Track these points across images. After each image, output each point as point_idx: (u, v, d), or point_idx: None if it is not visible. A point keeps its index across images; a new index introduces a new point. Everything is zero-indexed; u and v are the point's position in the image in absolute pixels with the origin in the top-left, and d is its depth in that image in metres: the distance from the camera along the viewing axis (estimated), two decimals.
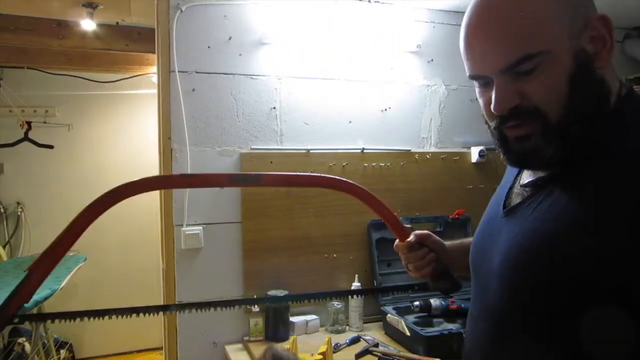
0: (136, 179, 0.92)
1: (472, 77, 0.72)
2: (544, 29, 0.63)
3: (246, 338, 1.80)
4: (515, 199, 0.76)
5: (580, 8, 0.65)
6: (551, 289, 0.63)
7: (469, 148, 2.20)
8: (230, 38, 1.84)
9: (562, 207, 0.64)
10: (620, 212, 0.57)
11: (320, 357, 1.44)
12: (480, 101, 0.73)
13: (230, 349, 1.78)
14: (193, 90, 1.79)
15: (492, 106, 0.68)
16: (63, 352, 3.22)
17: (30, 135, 3.31)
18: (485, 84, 0.70)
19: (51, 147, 3.38)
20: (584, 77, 0.64)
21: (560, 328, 0.62)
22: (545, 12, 0.63)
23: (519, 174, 0.80)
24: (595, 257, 0.58)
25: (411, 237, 1.03)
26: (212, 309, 1.07)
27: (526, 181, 0.74)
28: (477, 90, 0.74)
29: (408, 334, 1.64)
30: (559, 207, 0.64)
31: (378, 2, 2.04)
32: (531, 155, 0.68)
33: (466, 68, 0.73)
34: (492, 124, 0.71)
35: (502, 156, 0.73)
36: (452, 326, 1.77)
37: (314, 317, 1.87)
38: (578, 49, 0.63)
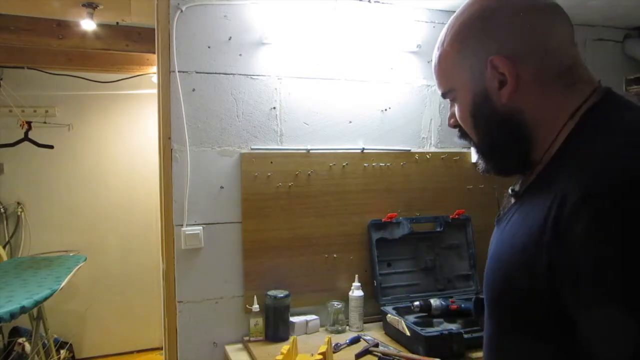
0: None
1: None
2: (452, 72, 0.78)
3: (246, 338, 1.80)
4: (505, 207, 0.80)
5: (480, 51, 0.72)
6: (510, 296, 0.68)
7: (469, 148, 2.19)
8: (230, 38, 1.84)
9: (521, 221, 0.69)
10: (546, 229, 0.60)
11: (320, 357, 1.44)
12: None
13: (230, 349, 1.78)
14: (193, 90, 1.80)
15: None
16: (63, 352, 3.22)
17: (30, 135, 3.32)
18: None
19: (51, 147, 3.39)
20: (482, 112, 0.74)
21: (540, 331, 0.65)
22: (453, 58, 0.77)
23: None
24: (532, 271, 0.62)
25: None
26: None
27: (510, 189, 0.79)
28: None
29: (408, 334, 1.64)
30: (519, 221, 0.69)
31: (378, 2, 2.04)
32: (480, 167, 0.82)
33: None
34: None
35: None
36: (452, 326, 1.78)
37: (314, 317, 1.87)
38: (478, 88, 0.73)
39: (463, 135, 0.82)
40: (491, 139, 0.76)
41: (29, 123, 3.30)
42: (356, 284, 1.90)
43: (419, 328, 1.63)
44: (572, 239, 0.56)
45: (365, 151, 2.01)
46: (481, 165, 0.81)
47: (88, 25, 2.34)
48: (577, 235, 0.56)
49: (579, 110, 0.68)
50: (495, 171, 0.79)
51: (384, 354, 1.59)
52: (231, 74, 1.85)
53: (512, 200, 0.77)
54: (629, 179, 0.55)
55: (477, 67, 0.72)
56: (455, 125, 0.81)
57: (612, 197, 0.55)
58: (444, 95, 0.82)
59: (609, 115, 0.66)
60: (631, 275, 0.52)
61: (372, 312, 1.93)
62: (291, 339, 1.58)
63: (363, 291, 1.89)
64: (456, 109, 0.79)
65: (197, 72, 1.80)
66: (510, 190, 0.78)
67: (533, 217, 0.64)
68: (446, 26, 0.81)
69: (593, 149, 0.62)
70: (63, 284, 2.45)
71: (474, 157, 2.16)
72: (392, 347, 1.67)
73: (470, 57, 0.73)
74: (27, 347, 2.97)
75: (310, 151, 1.94)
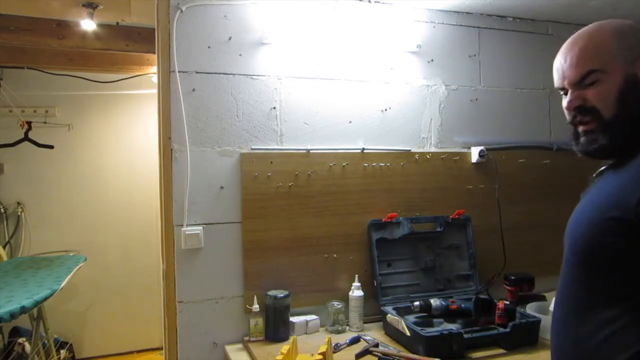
0: None
1: (558, 88, 1.03)
2: (604, 55, 0.94)
3: (246, 338, 1.80)
4: (588, 189, 1.02)
5: (637, 44, 0.94)
6: (591, 246, 0.91)
7: (469, 148, 2.20)
8: (230, 38, 1.84)
9: (605, 186, 0.93)
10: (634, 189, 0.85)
11: (320, 357, 1.44)
12: (563, 105, 1.02)
13: (230, 349, 1.78)
14: (193, 90, 1.80)
15: (564, 105, 1.00)
16: (63, 352, 3.22)
17: (30, 135, 3.32)
18: (565, 93, 1.01)
19: (51, 147, 3.39)
20: (630, 92, 0.92)
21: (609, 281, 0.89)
22: (608, 44, 0.94)
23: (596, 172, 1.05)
24: (617, 222, 0.86)
25: None
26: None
27: (594, 173, 1.02)
28: (563, 98, 1.03)
29: (408, 334, 1.64)
30: (603, 186, 0.94)
31: (378, 2, 2.04)
32: (592, 145, 0.97)
33: (554, 82, 1.04)
34: (568, 120, 1.01)
35: (574, 147, 1.01)
36: (452, 326, 1.78)
37: (314, 317, 1.87)
38: (629, 72, 0.92)
39: (582, 113, 0.97)
40: (629, 114, 0.93)
41: (29, 123, 3.30)
42: (356, 284, 1.90)
43: (419, 328, 1.63)
44: None
45: (365, 151, 2.01)
46: (599, 140, 0.96)
47: (88, 25, 2.35)
48: None
49: None
50: (609, 145, 0.95)
51: (384, 354, 1.59)
52: (231, 74, 1.85)
53: (594, 181, 1.00)
54: None
55: (631, 57, 0.93)
56: (579, 106, 0.97)
57: None
58: (584, 76, 0.96)
59: None
60: None
61: (372, 312, 1.93)
62: (291, 339, 1.58)
63: (363, 291, 1.89)
64: (593, 90, 0.95)
65: (197, 72, 1.80)
66: (594, 175, 1.01)
67: (627, 174, 0.89)
68: (598, 23, 0.99)
69: None
70: (63, 284, 2.45)
71: (474, 157, 2.18)
72: (392, 347, 1.67)
73: (626, 47, 0.93)
74: (27, 347, 2.97)
75: (310, 151, 1.94)
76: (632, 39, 0.95)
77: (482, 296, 1.84)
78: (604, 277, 0.90)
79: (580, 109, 0.97)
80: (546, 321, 1.69)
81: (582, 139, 0.99)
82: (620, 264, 0.87)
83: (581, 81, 0.96)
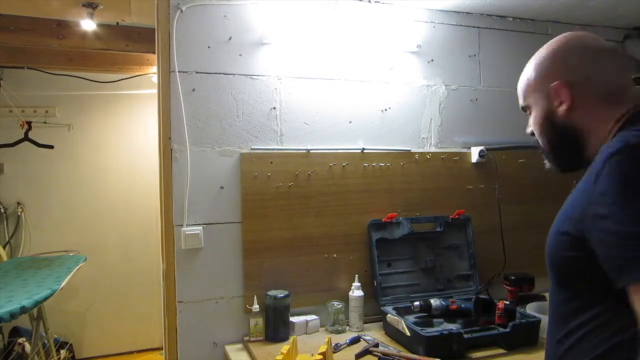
0: None
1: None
2: (528, 93, 1.03)
3: (246, 338, 1.80)
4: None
5: (553, 80, 0.96)
6: (553, 257, 0.93)
7: (469, 148, 2.20)
8: (230, 38, 1.84)
9: (569, 197, 0.93)
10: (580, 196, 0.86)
11: (320, 357, 1.44)
12: None
13: (230, 349, 1.78)
14: (193, 90, 1.79)
15: None
16: (63, 352, 3.22)
17: (30, 135, 3.32)
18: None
19: (51, 147, 3.39)
20: (547, 125, 1.00)
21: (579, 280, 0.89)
22: (532, 83, 1.01)
23: None
24: (568, 236, 0.88)
25: None
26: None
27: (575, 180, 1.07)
28: None
29: (408, 334, 1.64)
30: (569, 197, 0.94)
31: (378, 2, 2.04)
32: (548, 165, 1.06)
33: None
34: None
35: None
36: (452, 326, 1.78)
37: (314, 317, 1.87)
38: (547, 106, 0.98)
39: (536, 140, 1.05)
40: (551, 144, 1.02)
41: (29, 123, 3.30)
42: (356, 284, 1.90)
43: (419, 328, 1.63)
44: (595, 187, 0.80)
45: (365, 151, 2.01)
46: (547, 165, 1.05)
47: (88, 25, 2.35)
48: (596, 182, 0.80)
49: (622, 119, 0.91)
50: (557, 168, 1.04)
51: (384, 354, 1.59)
52: (231, 74, 1.85)
53: None
54: (626, 144, 0.80)
55: (546, 91, 0.97)
56: (532, 133, 1.06)
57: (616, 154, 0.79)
58: (523, 109, 1.07)
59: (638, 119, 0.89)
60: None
61: (372, 312, 1.93)
62: (291, 339, 1.58)
63: (363, 291, 1.89)
64: (531, 119, 1.04)
65: (197, 72, 1.80)
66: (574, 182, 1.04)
67: (578, 188, 0.89)
68: (533, 56, 1.03)
69: (617, 136, 0.87)
70: (63, 284, 2.45)
71: (474, 157, 2.18)
72: (392, 347, 1.67)
73: (543, 82, 0.98)
74: (27, 347, 2.97)
75: (310, 151, 1.94)
76: (547, 66, 0.99)
77: (482, 296, 1.84)
78: (567, 287, 0.92)
79: (532, 134, 1.06)
80: (546, 321, 1.68)
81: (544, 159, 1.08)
82: (579, 276, 0.88)
83: (525, 111, 1.07)
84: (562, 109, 0.95)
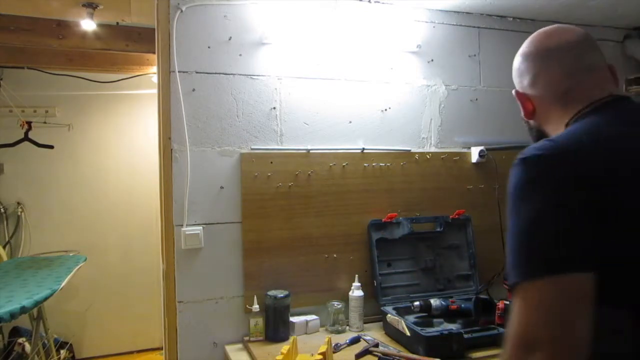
0: None
1: None
2: (515, 82, 1.06)
3: (246, 338, 1.80)
4: None
5: (516, 86, 1.05)
6: None
7: (469, 148, 2.20)
8: (230, 38, 1.84)
9: None
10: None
11: (320, 357, 1.44)
12: None
13: (230, 349, 1.78)
14: (193, 90, 1.80)
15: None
16: (63, 352, 3.21)
17: (30, 135, 3.31)
18: None
19: (51, 147, 3.38)
20: (526, 126, 1.08)
21: None
22: (514, 74, 1.05)
23: None
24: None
25: None
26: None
27: None
28: None
29: (408, 334, 1.64)
30: None
31: (378, 2, 2.04)
32: None
33: None
34: None
35: None
36: (452, 326, 1.78)
37: (314, 317, 1.87)
38: (521, 110, 1.05)
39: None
40: (532, 134, 1.08)
41: (29, 123, 3.30)
42: (356, 284, 1.90)
43: (419, 328, 1.63)
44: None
45: (365, 151, 2.01)
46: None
47: (88, 25, 2.34)
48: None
49: (571, 120, 0.93)
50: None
51: (384, 354, 1.60)
52: (231, 74, 1.85)
53: None
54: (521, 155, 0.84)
55: (517, 96, 1.05)
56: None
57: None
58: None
59: (581, 121, 0.91)
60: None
61: (372, 312, 1.93)
62: (291, 339, 1.58)
63: (363, 291, 1.89)
64: None
65: (197, 72, 1.80)
66: None
67: None
68: None
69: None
70: (63, 284, 2.45)
71: (474, 157, 2.18)
72: (392, 347, 1.67)
73: (517, 75, 1.04)
74: (27, 347, 2.96)
75: (310, 151, 1.94)
76: (514, 74, 1.05)
77: (482, 296, 1.84)
78: None
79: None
80: None
81: None
82: None
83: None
84: (528, 112, 1.03)
